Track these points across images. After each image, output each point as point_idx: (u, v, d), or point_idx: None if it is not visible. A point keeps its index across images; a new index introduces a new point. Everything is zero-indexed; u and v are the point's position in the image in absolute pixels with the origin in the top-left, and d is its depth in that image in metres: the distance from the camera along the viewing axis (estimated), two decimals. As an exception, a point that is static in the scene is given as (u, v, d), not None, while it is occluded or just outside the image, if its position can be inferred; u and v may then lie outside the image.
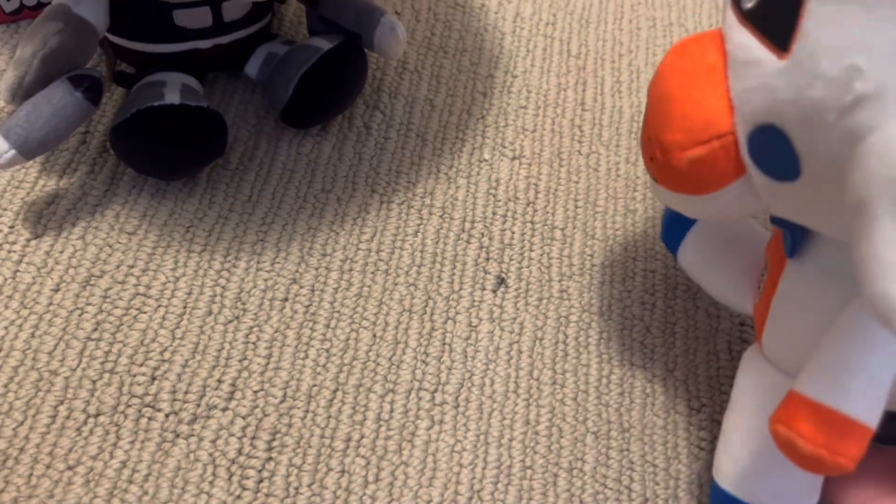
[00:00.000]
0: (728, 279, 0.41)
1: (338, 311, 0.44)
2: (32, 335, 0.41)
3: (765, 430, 0.34)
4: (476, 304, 0.45)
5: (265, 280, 0.44)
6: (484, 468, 0.40)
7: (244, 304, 0.43)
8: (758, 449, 0.36)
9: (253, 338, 0.42)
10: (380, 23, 0.47)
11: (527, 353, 0.44)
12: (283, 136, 0.50)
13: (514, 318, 0.45)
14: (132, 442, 0.39)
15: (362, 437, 0.40)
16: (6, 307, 0.41)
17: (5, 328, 0.41)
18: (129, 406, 0.40)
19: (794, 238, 0.33)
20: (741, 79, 0.29)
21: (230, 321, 0.43)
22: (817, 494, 0.37)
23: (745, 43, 0.29)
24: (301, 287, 0.44)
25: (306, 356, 0.42)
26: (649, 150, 0.32)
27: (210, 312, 0.43)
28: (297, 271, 0.45)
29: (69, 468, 0.38)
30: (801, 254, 0.33)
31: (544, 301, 0.46)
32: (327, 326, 0.43)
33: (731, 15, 0.30)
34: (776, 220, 0.33)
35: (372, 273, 0.45)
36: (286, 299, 0.44)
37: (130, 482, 0.38)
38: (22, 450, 0.38)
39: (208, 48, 0.47)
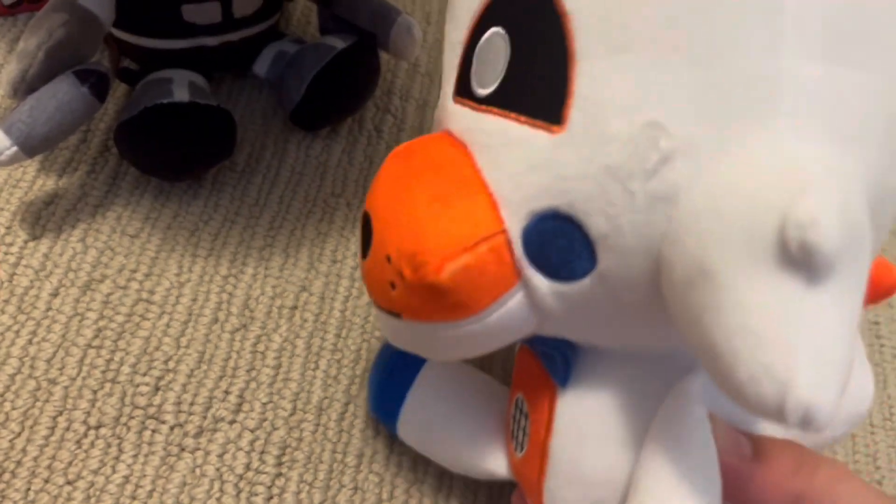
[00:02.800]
0: (469, 439, 0.34)
1: (349, 321, 0.42)
2: (30, 342, 0.39)
3: None
4: (491, 314, 0.44)
5: (273, 287, 0.43)
6: (501, 486, 0.39)
7: (252, 311, 0.42)
8: None
9: (261, 347, 0.41)
10: (396, 23, 0.46)
11: (544, 366, 0.43)
12: (291, 137, 0.48)
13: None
14: (135, 455, 0.37)
15: (375, 452, 0.39)
16: (2, 312, 0.39)
17: (2, 334, 0.39)
18: (132, 418, 0.38)
19: (567, 362, 0.28)
20: (502, 165, 0.24)
21: (237, 329, 0.41)
22: None
23: (494, 128, 0.24)
24: (311, 294, 0.43)
25: (317, 367, 0.41)
26: (387, 275, 0.25)
27: (216, 320, 0.41)
28: (306, 278, 0.43)
29: (69, 483, 0.36)
30: (573, 379, 0.28)
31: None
32: (338, 336, 0.42)
33: (459, 108, 0.26)
34: (542, 346, 0.28)
35: (384, 281, 0.44)
36: (295, 307, 0.42)
37: (133, 498, 0.36)
38: (19, 463, 0.36)
39: (216, 45, 0.45)
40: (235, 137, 0.44)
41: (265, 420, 0.39)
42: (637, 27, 0.21)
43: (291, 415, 0.39)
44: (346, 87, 0.46)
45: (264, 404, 0.39)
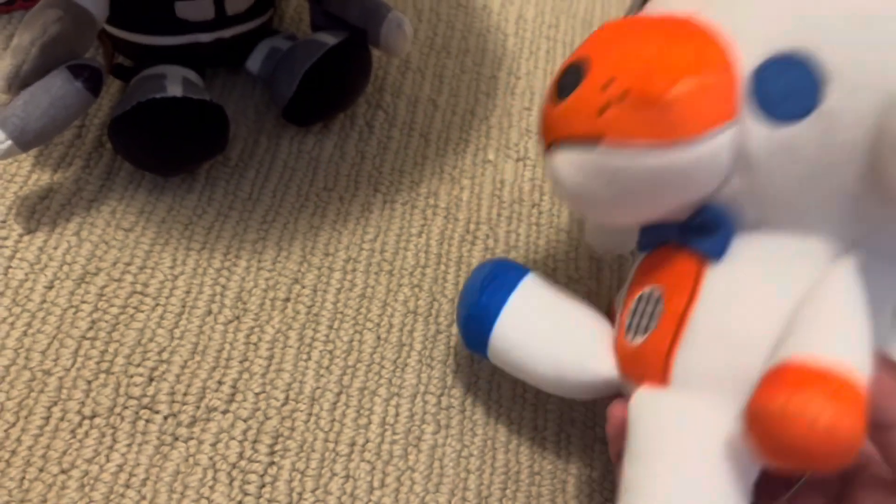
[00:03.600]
0: (571, 343, 0.34)
1: (341, 313, 0.43)
2: (25, 333, 0.39)
3: (697, 470, 0.27)
4: (482, 306, 0.44)
5: (266, 279, 0.43)
6: (492, 474, 0.39)
7: (245, 303, 0.42)
8: (688, 493, 0.27)
9: (254, 338, 0.41)
10: (386, 19, 0.46)
11: (534, 356, 0.43)
12: (283, 133, 0.49)
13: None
14: (129, 445, 0.37)
15: (367, 441, 0.39)
16: (-2, 304, 0.40)
17: (-3, 326, 0.39)
18: (126, 408, 0.38)
19: (729, 232, 0.29)
20: (747, 9, 0.27)
21: (230, 321, 0.42)
22: None
23: None
24: (303, 287, 0.43)
25: (309, 358, 0.41)
26: (599, 101, 0.26)
27: (210, 312, 0.42)
28: (299, 271, 0.44)
29: (63, 471, 0.36)
30: (729, 253, 0.29)
31: (551, 304, 0.45)
32: (330, 328, 0.42)
33: None
34: (707, 214, 0.29)
35: (376, 274, 0.44)
36: (288, 299, 0.43)
37: (127, 486, 0.36)
38: (14, 452, 0.36)
39: (209, 41, 0.46)
40: (228, 132, 0.44)
41: (258, 410, 0.39)
42: None
43: (284, 404, 0.40)
44: (337, 83, 0.47)
45: (257, 394, 0.40)
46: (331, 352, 0.41)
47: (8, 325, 0.39)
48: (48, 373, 0.38)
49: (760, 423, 0.23)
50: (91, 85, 0.40)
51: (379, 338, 0.42)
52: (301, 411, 0.39)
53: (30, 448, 0.37)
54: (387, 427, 0.40)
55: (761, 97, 0.26)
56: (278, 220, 0.45)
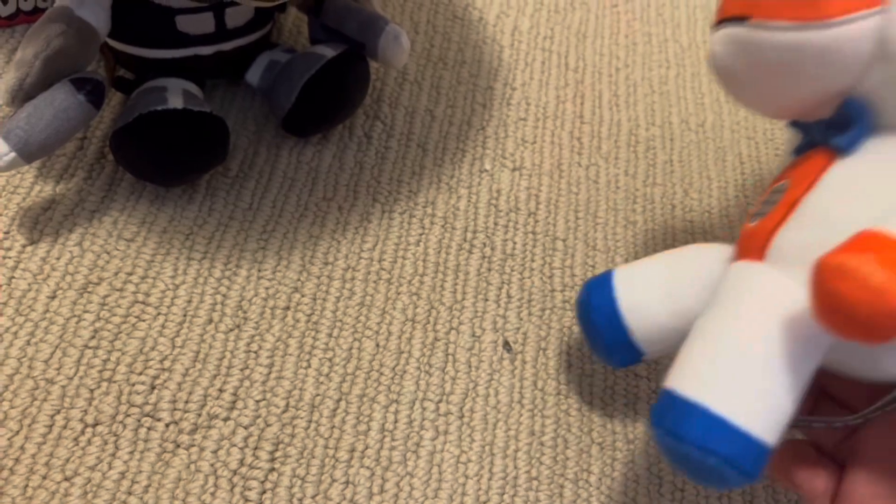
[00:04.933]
0: (691, 257, 0.35)
1: (340, 321, 0.43)
2: (28, 343, 0.40)
3: (764, 338, 0.27)
4: (479, 314, 0.45)
5: (266, 288, 0.44)
6: (490, 479, 0.40)
7: (245, 312, 0.43)
8: (748, 355, 0.28)
9: (255, 347, 0.42)
10: (384, 31, 0.47)
11: (531, 363, 0.44)
12: (283, 144, 0.49)
13: (518, 329, 0.45)
14: (131, 452, 0.38)
15: (367, 447, 0.40)
16: (1, 314, 0.40)
17: (0, 335, 0.40)
18: (129, 416, 0.39)
19: (861, 130, 0.29)
20: None
21: (231, 330, 0.42)
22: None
23: None
24: (303, 296, 0.44)
25: (309, 365, 0.42)
26: None
27: (210, 321, 0.42)
28: (298, 280, 0.44)
29: (66, 479, 0.37)
30: (857, 151, 0.29)
31: (547, 311, 0.46)
32: (330, 336, 0.43)
33: None
34: (846, 107, 0.29)
35: (374, 282, 0.45)
36: (288, 308, 0.43)
37: (130, 493, 0.37)
38: (17, 460, 0.37)
39: (210, 54, 0.46)
40: (229, 144, 0.45)
41: (258, 417, 0.40)
42: None
43: (284, 411, 0.40)
44: (336, 95, 0.47)
45: (258, 402, 0.40)
46: (330, 359, 0.42)
47: (11, 334, 0.40)
48: (51, 382, 0.39)
49: (819, 278, 0.24)
50: (93, 98, 0.40)
51: (378, 345, 0.43)
52: (301, 418, 0.40)
53: (33, 456, 0.37)
54: (386, 433, 0.40)
55: None
56: (278, 230, 0.46)
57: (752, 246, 0.31)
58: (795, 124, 0.33)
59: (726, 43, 0.30)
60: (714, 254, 0.34)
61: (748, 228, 0.32)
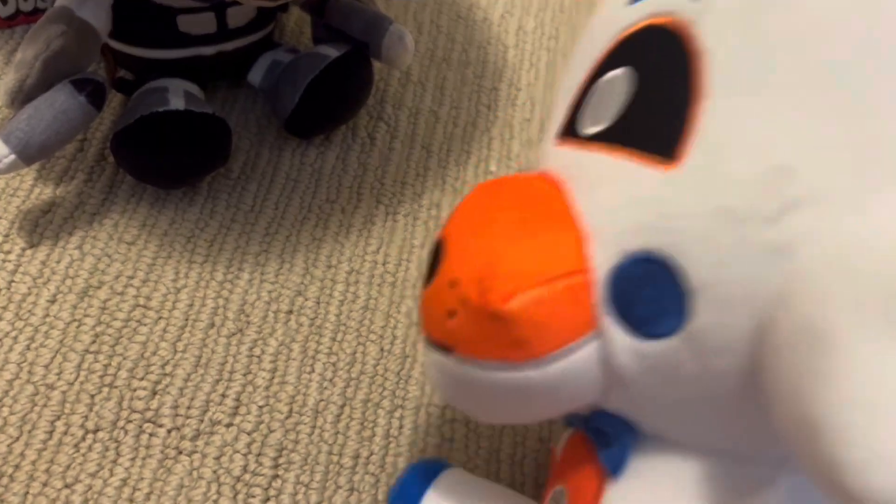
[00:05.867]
0: None
1: (344, 325, 0.43)
2: (28, 347, 0.39)
3: None
4: (485, 317, 0.44)
5: (269, 292, 0.43)
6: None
7: (248, 316, 0.42)
8: None
9: (257, 351, 0.41)
10: (388, 31, 0.46)
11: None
12: (285, 145, 0.49)
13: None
14: (133, 458, 0.37)
15: (371, 453, 0.39)
16: (1, 318, 0.40)
17: (0, 340, 0.39)
18: (130, 421, 0.38)
19: (624, 447, 0.25)
20: (600, 198, 0.22)
21: (233, 334, 0.41)
22: None
23: (598, 163, 0.23)
24: (306, 299, 0.43)
25: (312, 370, 0.41)
26: (448, 302, 0.23)
27: (213, 325, 0.42)
28: (301, 283, 0.44)
29: (67, 486, 0.36)
30: (626, 470, 0.25)
31: (553, 315, 0.45)
32: (334, 340, 0.42)
33: (561, 149, 0.25)
34: (599, 423, 0.26)
35: (378, 285, 0.44)
36: (291, 311, 0.43)
37: (131, 501, 0.36)
38: (17, 467, 0.36)
39: (211, 55, 0.46)
40: (231, 145, 0.44)
41: (261, 423, 0.39)
42: (786, 68, 0.20)
43: (288, 417, 0.39)
44: (339, 95, 0.47)
45: (261, 407, 0.40)
46: (334, 364, 0.41)
47: (11, 339, 0.39)
48: (51, 387, 0.38)
49: None
50: (94, 99, 0.40)
51: (382, 349, 0.42)
52: (305, 424, 0.39)
53: (33, 463, 0.36)
54: (391, 439, 0.40)
55: (619, 307, 0.22)
56: (281, 233, 0.45)
57: None
58: None
59: (439, 372, 0.25)
60: None
61: None
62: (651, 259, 0.21)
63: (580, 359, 0.22)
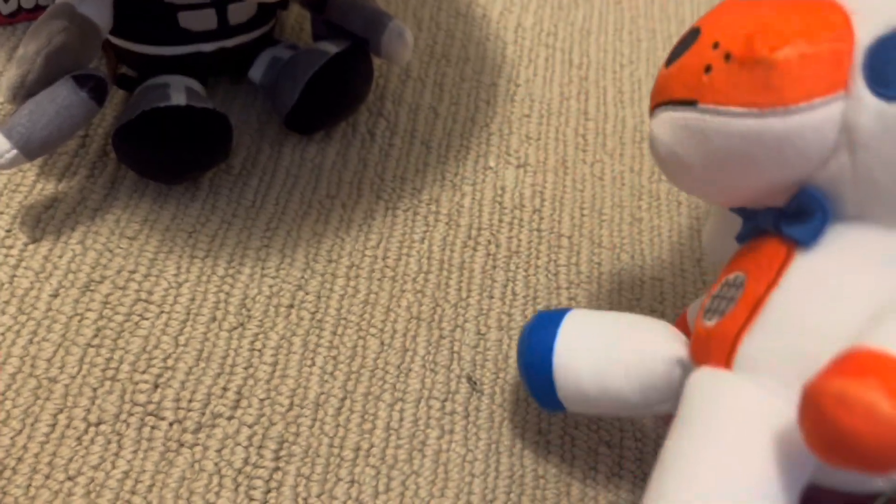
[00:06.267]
0: (639, 336, 0.33)
1: (344, 318, 0.43)
2: (31, 341, 0.39)
3: (746, 462, 0.25)
4: (484, 311, 0.45)
5: (270, 286, 0.43)
6: (496, 478, 0.39)
7: (249, 310, 0.42)
8: (730, 482, 0.25)
9: (258, 345, 0.41)
10: (388, 28, 0.47)
11: (537, 361, 0.43)
12: (286, 141, 0.49)
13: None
14: (135, 451, 0.38)
15: (372, 446, 0.39)
16: (3, 312, 0.40)
17: (2, 334, 0.39)
18: (132, 415, 0.38)
19: (825, 217, 0.27)
20: None
21: (235, 328, 0.42)
22: None
23: None
24: (307, 294, 0.43)
25: (313, 364, 0.41)
26: (704, 60, 0.26)
27: (214, 319, 0.42)
28: (302, 277, 0.44)
29: (69, 478, 0.36)
30: (818, 243, 0.27)
31: (553, 308, 0.45)
32: (334, 333, 0.42)
33: None
34: (804, 198, 0.27)
35: (379, 280, 0.45)
36: (292, 306, 0.43)
37: (133, 493, 0.36)
38: (20, 459, 0.36)
39: (212, 51, 0.46)
40: (231, 140, 0.44)
41: (263, 416, 0.39)
42: None
43: (289, 410, 0.40)
44: (339, 92, 0.47)
45: (262, 400, 0.40)
46: (335, 357, 0.42)
47: (14, 333, 0.40)
48: (54, 380, 0.39)
49: (815, 406, 0.22)
50: (96, 95, 0.40)
51: (382, 343, 0.43)
52: (306, 417, 0.40)
53: (36, 455, 0.37)
54: (391, 432, 0.40)
55: (874, 74, 0.24)
56: (281, 228, 0.46)
57: (714, 351, 0.28)
58: (740, 210, 0.31)
59: (672, 128, 0.28)
60: (662, 347, 0.32)
61: (705, 328, 0.30)
62: None
63: (823, 115, 0.25)
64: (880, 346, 0.22)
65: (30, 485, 0.36)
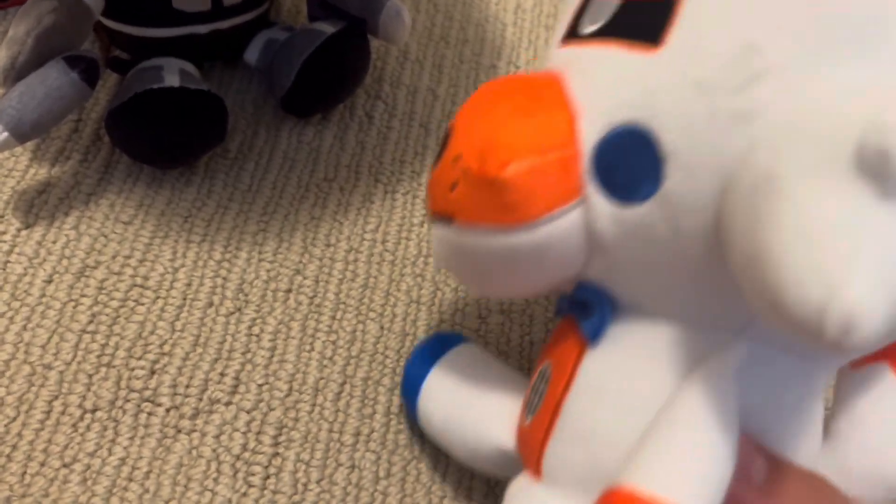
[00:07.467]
0: (482, 411, 0.34)
1: (343, 303, 0.42)
2: (24, 328, 0.39)
3: None
4: (485, 294, 0.44)
5: (268, 271, 0.43)
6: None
7: (246, 295, 0.42)
8: None
9: (256, 330, 0.41)
10: (385, 7, 0.46)
11: (538, 344, 0.43)
12: (282, 124, 0.48)
13: (524, 310, 0.44)
14: (131, 438, 0.37)
15: (372, 431, 0.39)
16: (-4, 299, 0.40)
17: (-4, 320, 0.39)
18: (128, 401, 0.38)
19: (603, 315, 0.28)
20: (592, 81, 0.25)
21: (232, 313, 0.41)
22: None
23: (593, 54, 0.26)
24: (305, 278, 0.43)
25: (312, 348, 0.41)
26: (452, 175, 0.26)
27: (211, 304, 0.41)
28: (300, 262, 0.43)
29: (65, 465, 0.36)
30: (604, 339, 0.28)
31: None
32: (333, 318, 0.42)
33: (563, 49, 0.27)
34: (583, 294, 0.28)
35: (378, 264, 0.44)
36: (290, 290, 0.42)
37: (130, 479, 0.36)
38: (15, 447, 0.36)
39: (206, 33, 0.45)
40: (227, 122, 0.44)
41: (261, 401, 0.39)
42: None
43: (287, 395, 0.39)
44: (336, 73, 0.46)
45: (260, 386, 0.39)
46: (334, 342, 0.41)
47: (7, 319, 0.39)
48: (48, 367, 0.38)
49: None
50: (87, 76, 0.39)
51: (382, 327, 0.42)
52: (305, 402, 0.39)
53: (31, 443, 0.36)
54: (391, 416, 0.39)
55: (604, 177, 0.24)
56: (279, 212, 0.45)
57: (529, 455, 0.29)
58: None
59: (440, 243, 0.28)
60: (499, 433, 0.32)
61: (524, 427, 0.30)
62: (632, 130, 0.24)
63: (566, 224, 0.25)
64: (632, 486, 0.23)
65: (25, 472, 0.35)
